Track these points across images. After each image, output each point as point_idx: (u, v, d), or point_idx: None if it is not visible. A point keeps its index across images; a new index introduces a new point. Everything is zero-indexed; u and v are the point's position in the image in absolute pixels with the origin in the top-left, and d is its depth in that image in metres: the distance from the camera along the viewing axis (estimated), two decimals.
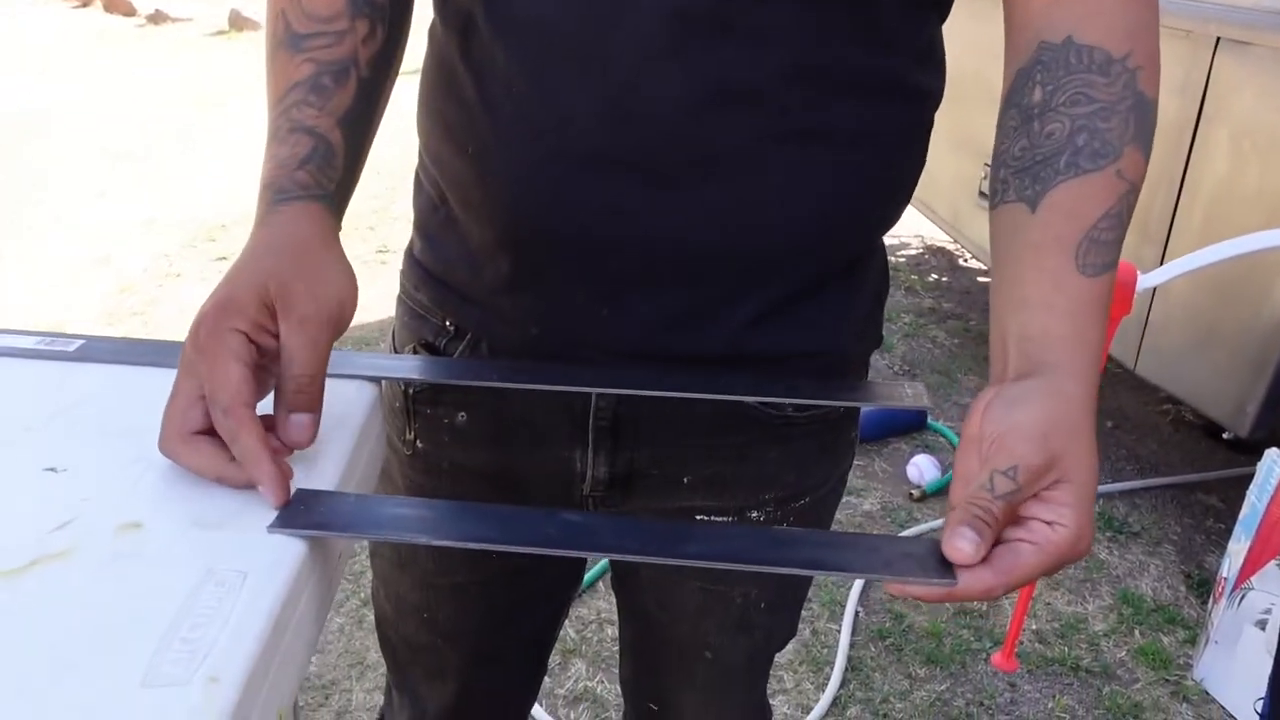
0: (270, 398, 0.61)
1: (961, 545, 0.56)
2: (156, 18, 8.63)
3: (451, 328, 0.83)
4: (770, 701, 1.91)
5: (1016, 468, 0.56)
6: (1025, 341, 0.62)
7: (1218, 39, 2.19)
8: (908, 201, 0.82)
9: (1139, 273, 1.20)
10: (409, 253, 0.89)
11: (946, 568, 0.56)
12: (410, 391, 0.87)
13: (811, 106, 0.70)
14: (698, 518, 0.87)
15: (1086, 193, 0.62)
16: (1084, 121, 0.63)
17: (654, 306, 0.76)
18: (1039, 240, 0.63)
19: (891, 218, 0.82)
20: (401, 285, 0.90)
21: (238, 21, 8.41)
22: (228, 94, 6.45)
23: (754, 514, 0.88)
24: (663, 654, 1.02)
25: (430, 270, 0.85)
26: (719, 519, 0.87)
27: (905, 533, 2.43)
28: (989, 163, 2.54)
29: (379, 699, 1.87)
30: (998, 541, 0.57)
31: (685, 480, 0.86)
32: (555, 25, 0.69)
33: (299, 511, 0.56)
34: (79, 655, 0.45)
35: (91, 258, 3.81)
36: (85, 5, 9.18)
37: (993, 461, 0.57)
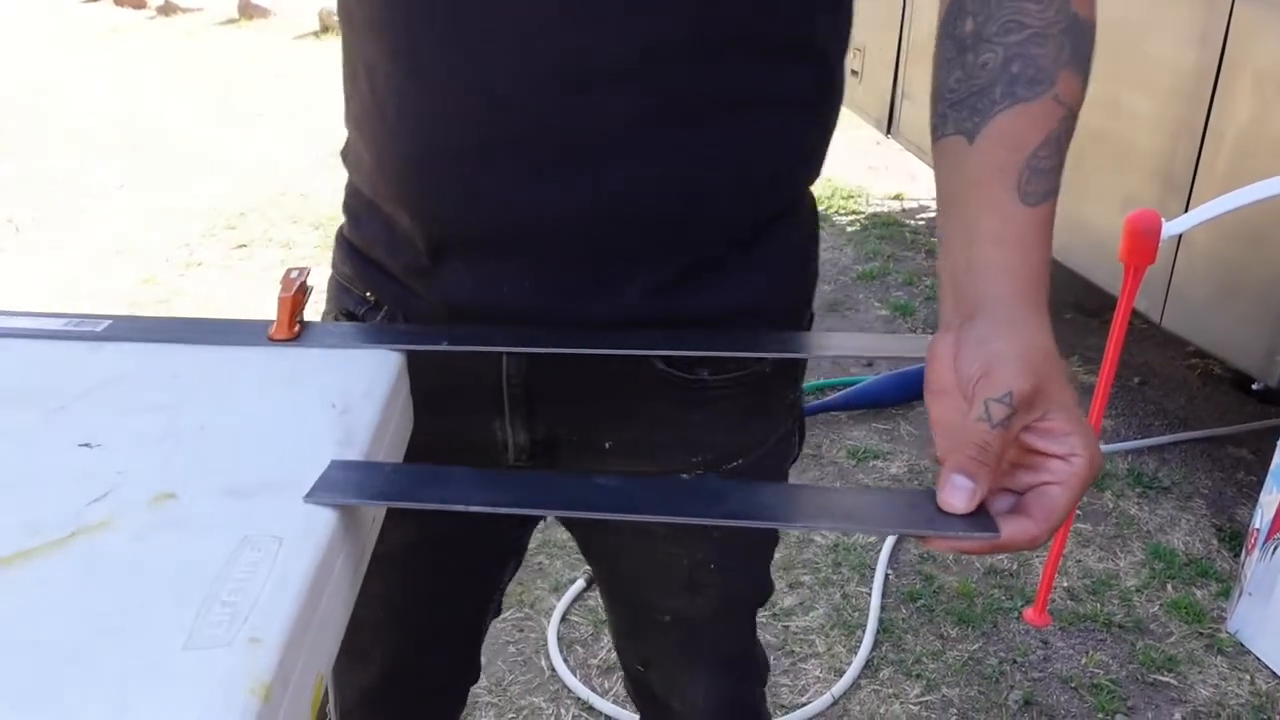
0: None
1: (950, 498, 0.57)
2: (167, 9, 8.64)
3: (371, 298, 0.85)
4: (802, 665, 1.92)
5: (1010, 393, 0.56)
6: (973, 276, 0.61)
7: None
8: (821, 158, 0.82)
9: (1163, 220, 1.18)
10: (339, 230, 0.92)
11: (988, 519, 0.56)
12: None
13: (697, 76, 0.70)
14: None
15: (1024, 121, 0.62)
16: (1017, 49, 0.62)
17: (556, 283, 0.76)
18: (979, 173, 0.62)
19: (802, 177, 0.82)
20: (332, 260, 0.93)
21: (247, 9, 8.41)
22: (240, 82, 6.46)
23: (684, 478, 0.87)
24: (628, 616, 1.03)
25: (354, 245, 0.88)
26: None
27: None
28: None
29: None
30: (1021, 491, 0.58)
31: (607, 445, 0.85)
32: (425, 20, 0.70)
33: (334, 481, 0.56)
34: (123, 620, 0.46)
35: (114, 248, 3.84)
36: None
37: (985, 392, 0.57)
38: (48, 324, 0.74)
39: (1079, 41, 0.63)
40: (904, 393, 2.83)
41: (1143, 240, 0.98)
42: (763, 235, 0.80)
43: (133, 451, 0.59)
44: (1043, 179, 0.61)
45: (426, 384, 0.82)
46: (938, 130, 0.66)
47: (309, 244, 3.88)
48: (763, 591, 1.02)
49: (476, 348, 0.77)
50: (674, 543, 0.92)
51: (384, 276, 0.84)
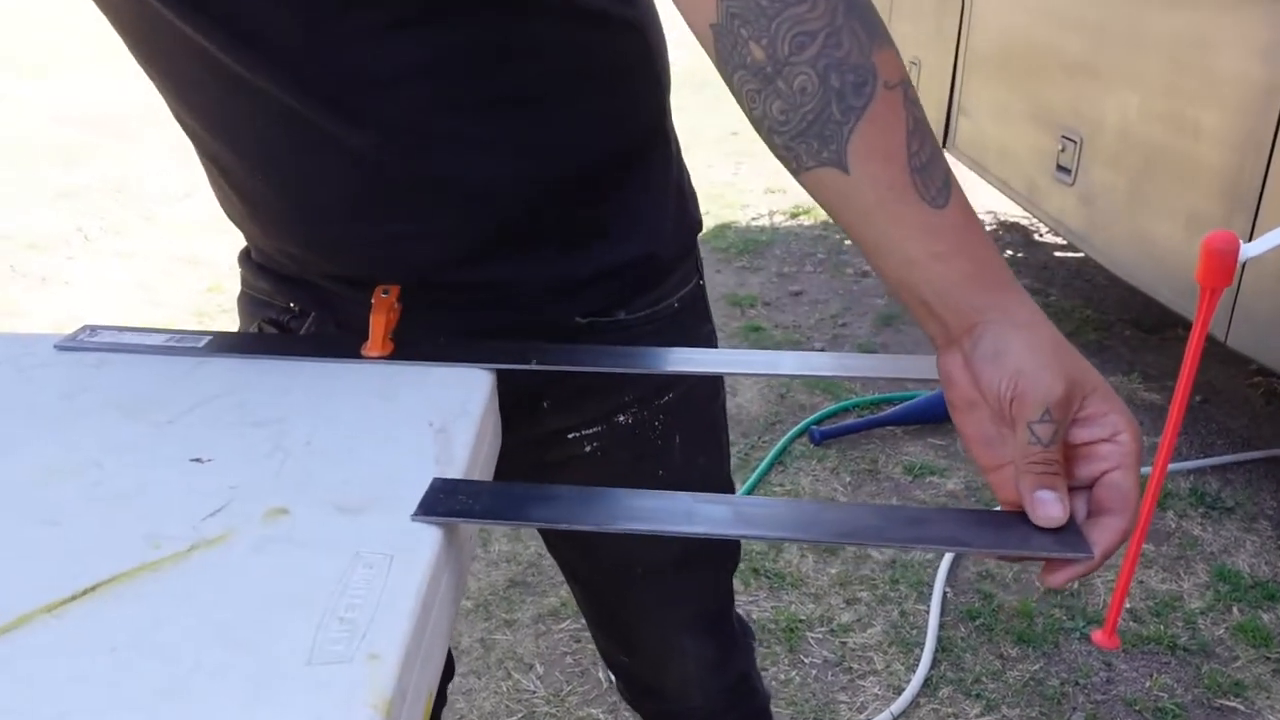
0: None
1: (1047, 512, 0.58)
2: None
3: (295, 308, 0.88)
4: (860, 682, 1.91)
5: (1048, 410, 0.57)
6: (944, 297, 0.60)
7: None
8: (646, 124, 0.86)
9: (1241, 243, 1.17)
10: (243, 253, 0.94)
11: (1081, 539, 0.57)
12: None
13: (491, 73, 0.73)
14: (569, 438, 0.91)
15: (879, 129, 0.59)
16: (824, 60, 0.59)
17: (451, 284, 0.81)
18: (875, 198, 0.60)
19: (635, 149, 0.85)
20: (242, 277, 0.96)
21: None
22: None
23: (620, 418, 0.90)
24: (602, 591, 1.06)
25: (259, 263, 0.91)
26: (589, 431, 0.91)
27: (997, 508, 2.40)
28: (1066, 135, 2.51)
29: (472, 683, 1.92)
30: (1081, 487, 0.60)
31: (545, 404, 0.89)
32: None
33: (438, 499, 0.58)
34: (247, 634, 0.48)
35: (180, 256, 3.92)
36: None
37: (1023, 416, 0.58)
38: (151, 339, 0.77)
39: (864, 17, 0.60)
40: None
41: (1220, 261, 0.96)
42: (622, 183, 0.84)
43: (243, 466, 0.61)
44: (932, 174, 0.60)
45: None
46: (796, 164, 0.63)
47: None
48: (735, 551, 1.07)
49: (562, 367, 0.78)
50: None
51: (294, 284, 0.87)
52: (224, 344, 0.76)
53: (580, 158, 0.81)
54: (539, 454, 0.92)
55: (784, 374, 0.79)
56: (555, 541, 1.05)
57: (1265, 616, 2.11)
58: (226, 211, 0.90)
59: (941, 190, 0.60)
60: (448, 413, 0.67)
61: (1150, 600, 2.15)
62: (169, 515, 0.56)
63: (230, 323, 3.08)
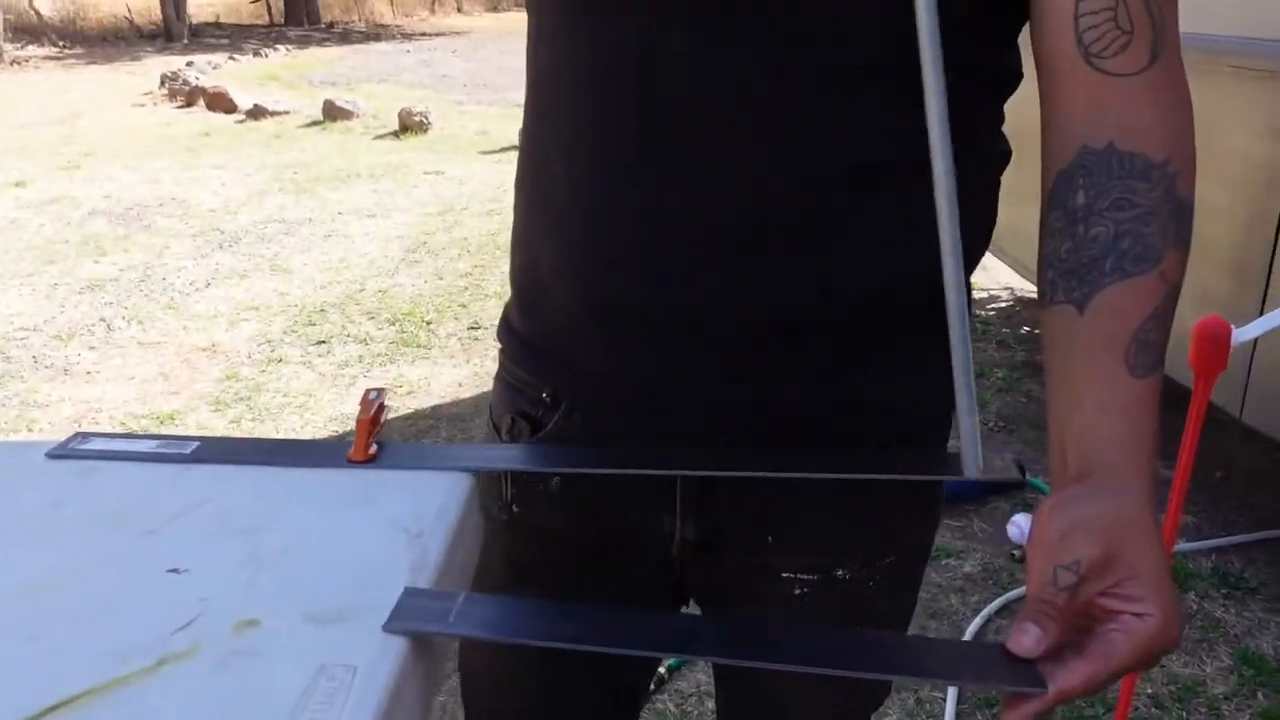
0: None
1: (1021, 639, 0.59)
2: (256, 112, 9.03)
3: (548, 398, 0.87)
4: None
5: (1079, 562, 0.60)
6: (1081, 442, 0.65)
7: None
8: (980, 257, 0.84)
9: (1233, 327, 1.18)
10: (504, 325, 0.93)
11: (1035, 674, 0.58)
12: None
13: (889, 175, 0.74)
14: (783, 575, 0.89)
15: (1132, 296, 0.65)
16: (1127, 226, 0.66)
17: (749, 363, 0.79)
18: (1089, 342, 0.66)
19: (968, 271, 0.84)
20: (500, 360, 0.94)
21: (332, 112, 8.76)
22: (323, 181, 6.71)
23: (840, 572, 0.89)
24: (758, 716, 1.03)
25: (526, 339, 0.89)
26: (804, 576, 0.89)
27: (1010, 594, 2.37)
28: None
29: None
30: (1090, 639, 0.60)
31: (770, 540, 0.88)
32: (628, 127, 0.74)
33: (409, 610, 0.59)
34: None
35: (199, 345, 3.98)
36: (189, 105, 9.67)
37: (1057, 558, 0.60)
38: (140, 446, 0.78)
39: (1182, 222, 0.67)
40: (978, 488, 2.79)
41: (1212, 347, 0.98)
42: (922, 333, 0.82)
43: (218, 576, 0.62)
44: (1149, 352, 0.65)
45: (599, 480, 0.86)
46: (1047, 296, 0.69)
47: (385, 340, 3.98)
48: (885, 694, 1.05)
49: (552, 469, 0.79)
50: (824, 692, 0.95)
51: (560, 367, 0.86)
52: (211, 451, 0.78)
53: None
54: (753, 583, 0.91)
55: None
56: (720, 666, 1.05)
57: None
58: (530, 238, 0.87)
59: (1146, 368, 0.65)
60: (424, 519, 0.68)
61: (1172, 685, 2.11)
62: (141, 629, 0.57)
63: (245, 409, 3.11)
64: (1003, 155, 0.83)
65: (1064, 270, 0.68)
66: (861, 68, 0.71)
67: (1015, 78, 0.79)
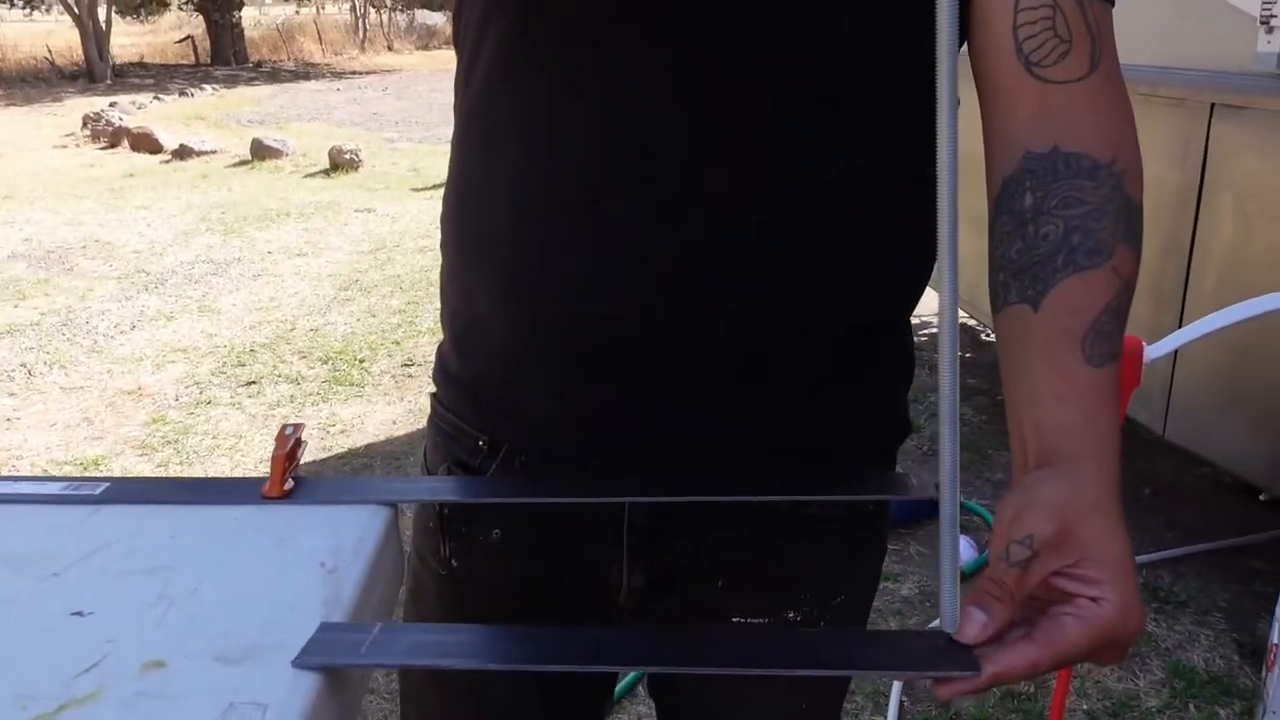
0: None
1: (963, 628, 0.58)
2: (182, 152, 8.91)
3: (485, 446, 0.84)
4: None
5: (1032, 536, 0.58)
6: (1040, 434, 0.64)
7: (1212, 105, 2.22)
8: (923, 290, 0.84)
9: (1145, 344, 1.21)
10: (439, 369, 0.90)
11: (970, 657, 0.57)
12: (444, 511, 0.88)
13: (845, 204, 0.74)
14: (733, 620, 0.87)
15: (1086, 288, 0.65)
16: (1077, 222, 0.65)
17: (696, 400, 0.78)
18: (1045, 337, 0.65)
19: (913, 303, 0.84)
20: (432, 406, 0.91)
21: (260, 151, 8.67)
22: (252, 220, 6.62)
23: (790, 614, 0.88)
24: None
25: (463, 384, 0.86)
26: (754, 620, 0.87)
27: None
28: None
29: None
30: (1043, 617, 0.58)
31: (719, 583, 0.86)
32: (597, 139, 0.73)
33: (321, 644, 0.57)
34: None
35: (124, 388, 3.89)
36: (113, 145, 9.50)
37: (1010, 534, 0.59)
38: (47, 488, 0.76)
39: (1131, 220, 0.67)
40: (913, 512, 2.81)
41: (1126, 364, 1.00)
42: (870, 364, 0.83)
43: (124, 619, 0.60)
44: (1106, 342, 0.64)
45: (548, 527, 0.85)
46: (999, 299, 0.69)
47: (318, 379, 3.92)
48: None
49: (478, 499, 0.78)
50: (767, 689, 0.92)
51: (498, 412, 0.84)
52: (122, 491, 0.75)
53: (892, 296, 0.81)
54: (701, 623, 0.89)
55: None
56: (665, 703, 1.02)
57: (1222, 712, 2.10)
58: (460, 282, 0.85)
59: (1104, 358, 0.64)
60: (341, 554, 0.67)
61: (1106, 700, 2.14)
62: (42, 673, 0.55)
63: (173, 452, 3.04)
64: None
65: (1015, 271, 0.67)
66: (827, 96, 0.71)
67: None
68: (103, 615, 0.60)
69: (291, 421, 0.81)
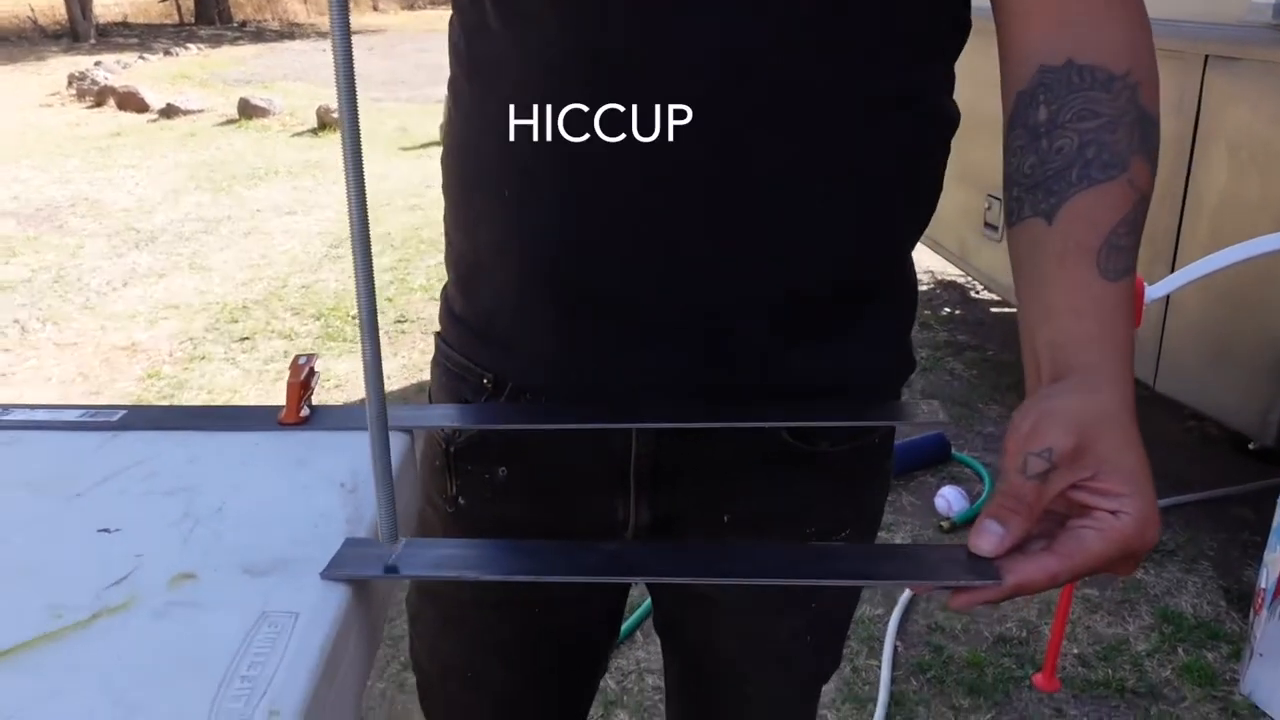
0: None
1: (978, 540, 0.58)
2: (168, 111, 8.82)
3: (489, 384, 0.85)
4: None
5: (1050, 449, 0.58)
6: (1054, 348, 0.63)
7: (1206, 57, 2.22)
8: (926, 225, 0.84)
9: (1146, 284, 1.22)
10: (446, 311, 0.90)
11: (990, 567, 0.58)
12: (451, 449, 0.88)
13: (850, 128, 0.73)
14: None
15: (1101, 201, 0.64)
16: (1091, 135, 0.65)
17: (695, 339, 0.78)
18: (1060, 249, 0.65)
19: (913, 240, 0.84)
20: (437, 346, 0.92)
21: (247, 110, 8.58)
22: (241, 179, 6.58)
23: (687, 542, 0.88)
24: (709, 691, 1.03)
25: (468, 324, 0.87)
26: None
27: None
28: (993, 194, 2.60)
29: None
30: (1062, 531, 0.59)
31: (725, 519, 0.87)
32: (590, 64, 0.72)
33: (347, 558, 0.58)
34: (146, 696, 0.47)
35: (119, 344, 3.88)
36: (99, 105, 9.41)
37: (1028, 445, 0.59)
38: (65, 415, 0.76)
39: (1147, 132, 0.66)
40: (905, 463, 2.84)
41: None
42: (869, 302, 0.82)
43: (151, 535, 0.61)
44: (1121, 255, 0.64)
45: (555, 464, 0.85)
46: (1013, 215, 0.68)
47: (311, 335, 3.92)
48: (836, 665, 1.04)
49: (489, 426, 0.79)
50: (772, 615, 0.93)
51: (504, 350, 0.84)
52: (138, 418, 0.76)
53: (886, 236, 0.80)
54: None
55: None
56: (671, 636, 1.04)
57: (1209, 656, 2.13)
58: (465, 222, 0.84)
59: (1119, 272, 0.63)
60: (360, 475, 0.68)
61: (1097, 645, 2.17)
62: (72, 585, 0.56)
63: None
64: (950, 120, 0.81)
65: (1029, 185, 0.67)
66: (825, 17, 0.70)
67: (964, 30, 0.78)
68: (129, 532, 0.61)
69: (304, 353, 0.81)
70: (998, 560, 0.58)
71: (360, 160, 0.54)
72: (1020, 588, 0.58)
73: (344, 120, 0.54)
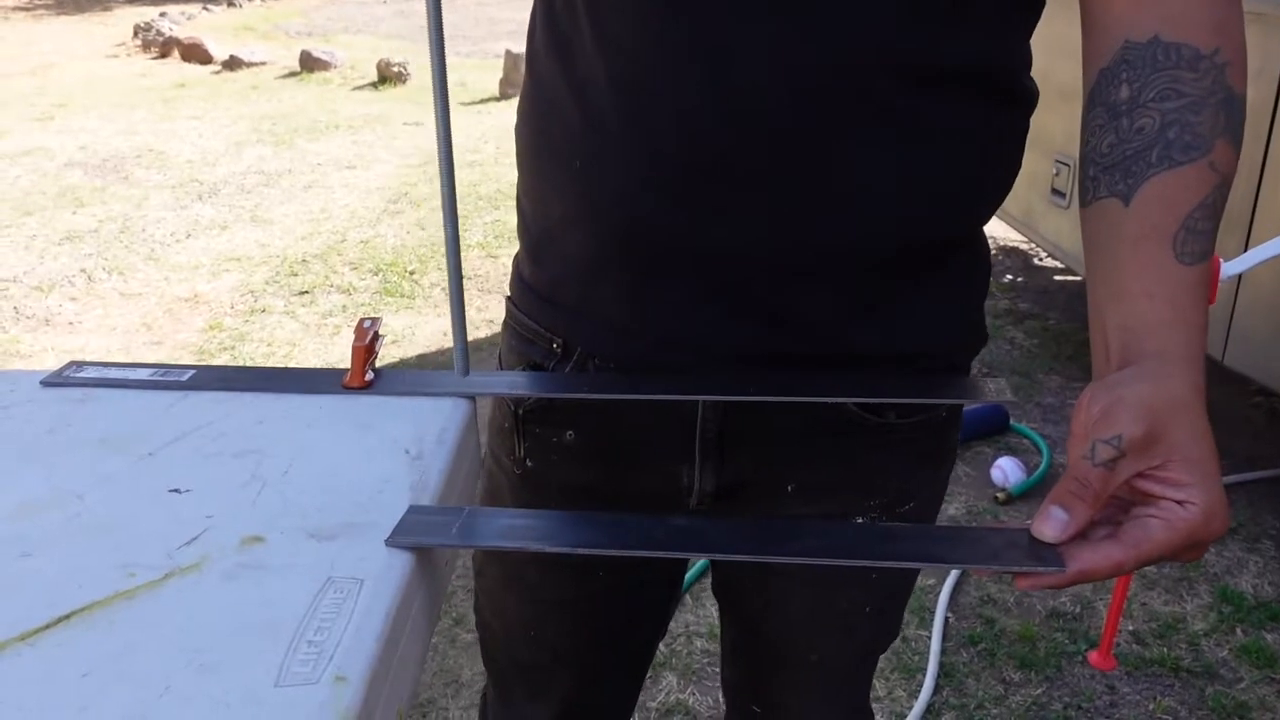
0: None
1: (1042, 526, 0.58)
2: (231, 63, 8.89)
3: (559, 349, 0.85)
4: None
5: (1120, 437, 0.57)
6: (1126, 332, 0.62)
7: None
8: (1000, 203, 0.83)
9: (1222, 260, 1.18)
10: (516, 277, 0.91)
11: (1054, 554, 0.57)
12: (519, 411, 0.89)
13: (917, 100, 0.71)
14: None
15: (1180, 184, 0.63)
16: (1174, 115, 0.63)
17: (763, 306, 0.78)
18: (1136, 232, 0.63)
19: (985, 215, 0.83)
20: (508, 310, 0.93)
21: (309, 63, 8.63)
22: (302, 132, 6.63)
23: (859, 520, 0.88)
24: (767, 656, 1.03)
25: (538, 291, 0.87)
26: None
27: None
28: (1061, 159, 2.55)
29: (474, 717, 1.91)
30: (1127, 520, 0.58)
31: (789, 489, 0.87)
32: (655, 35, 0.71)
33: (412, 525, 0.59)
34: (217, 658, 0.48)
35: (181, 295, 3.95)
36: (164, 56, 9.51)
37: (1097, 433, 0.58)
38: (136, 374, 0.78)
39: (1232, 113, 0.64)
40: (962, 433, 2.80)
41: None
42: (940, 271, 0.81)
43: (220, 496, 0.62)
44: (1198, 240, 0.62)
45: (622, 429, 0.86)
46: (1088, 193, 0.67)
47: (369, 290, 3.96)
48: (894, 637, 1.04)
49: (556, 394, 0.79)
50: (833, 587, 0.93)
51: (574, 317, 0.84)
52: (207, 378, 0.77)
53: (957, 209, 0.79)
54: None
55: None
56: (730, 599, 1.04)
57: (1269, 637, 2.10)
58: (535, 192, 0.84)
59: (1195, 256, 0.62)
60: (425, 442, 0.68)
61: (1153, 622, 2.15)
62: (145, 545, 0.57)
63: (229, 360, 3.09)
64: (1030, 98, 0.79)
65: (1106, 165, 0.65)
66: None
67: (1037, 10, 0.76)
68: (199, 493, 0.62)
69: (369, 315, 0.82)
70: (1061, 547, 0.58)
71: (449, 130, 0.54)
72: (1084, 575, 0.58)
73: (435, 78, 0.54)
